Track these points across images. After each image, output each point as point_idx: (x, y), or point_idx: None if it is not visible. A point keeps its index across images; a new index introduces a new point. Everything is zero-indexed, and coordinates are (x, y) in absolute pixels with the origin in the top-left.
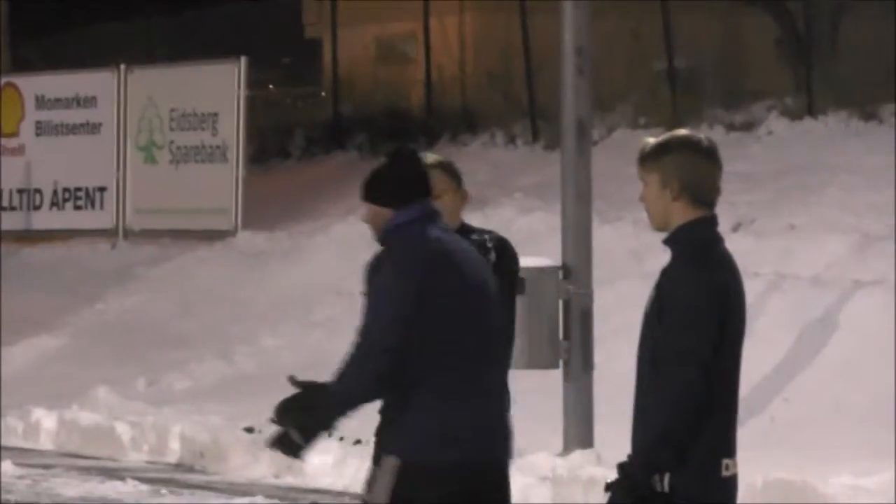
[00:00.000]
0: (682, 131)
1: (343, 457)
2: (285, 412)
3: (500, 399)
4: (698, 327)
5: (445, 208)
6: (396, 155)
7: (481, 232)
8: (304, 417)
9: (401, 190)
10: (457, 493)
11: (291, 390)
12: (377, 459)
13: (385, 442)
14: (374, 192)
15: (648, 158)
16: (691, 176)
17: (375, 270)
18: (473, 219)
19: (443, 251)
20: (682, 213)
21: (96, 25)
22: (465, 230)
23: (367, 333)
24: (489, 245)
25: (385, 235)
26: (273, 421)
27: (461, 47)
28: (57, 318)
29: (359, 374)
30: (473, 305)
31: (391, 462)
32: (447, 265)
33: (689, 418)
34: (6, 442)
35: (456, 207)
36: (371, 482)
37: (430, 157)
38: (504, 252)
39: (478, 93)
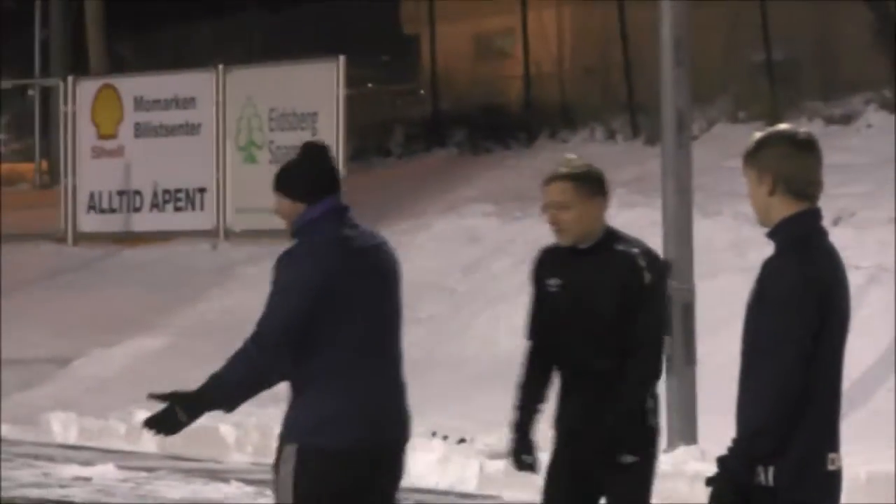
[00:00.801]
0: (782, 126)
1: (447, 455)
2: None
3: (394, 385)
4: (796, 319)
5: (571, 221)
6: (308, 151)
7: (629, 243)
8: (191, 396)
9: (313, 185)
10: (355, 476)
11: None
12: (280, 446)
13: (285, 429)
14: (288, 186)
15: (747, 155)
16: (785, 170)
17: (280, 263)
18: None
19: (344, 248)
20: (781, 207)
21: (192, 24)
22: (611, 238)
23: (261, 326)
24: (641, 263)
25: (297, 229)
26: (154, 397)
27: (559, 41)
28: (158, 318)
29: (245, 365)
30: (369, 300)
31: (289, 450)
32: (346, 263)
33: (787, 409)
34: (109, 445)
35: (588, 219)
36: (276, 470)
37: (561, 169)
38: (656, 268)
39: (576, 87)
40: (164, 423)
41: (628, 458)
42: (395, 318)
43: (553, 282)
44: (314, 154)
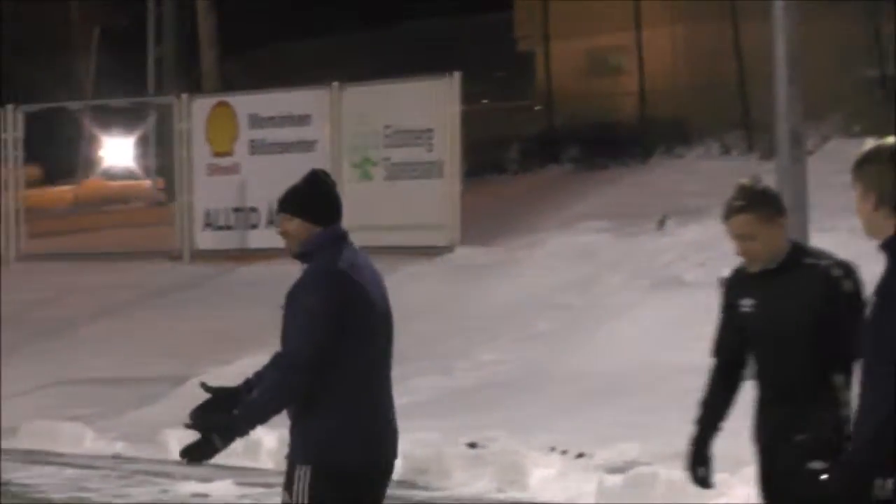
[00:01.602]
0: (889, 140)
1: (565, 470)
2: (206, 418)
3: (391, 406)
4: None
5: (759, 250)
6: (320, 176)
7: (817, 256)
8: (226, 423)
9: (328, 209)
10: (362, 493)
11: None
12: (288, 467)
13: (297, 450)
14: (305, 208)
15: (854, 170)
16: (889, 185)
17: (306, 288)
18: (687, 230)
19: (356, 274)
20: (885, 223)
21: (304, 42)
22: (798, 252)
23: (294, 351)
24: (836, 274)
25: (308, 250)
26: (190, 426)
27: (673, 58)
28: (273, 335)
29: (282, 388)
30: (377, 324)
31: (303, 470)
32: (359, 288)
33: None
34: (227, 461)
35: (774, 242)
36: (289, 487)
37: (737, 202)
38: (853, 276)
39: (691, 103)
40: (199, 451)
41: (817, 465)
42: (391, 343)
43: (746, 302)
44: (326, 180)
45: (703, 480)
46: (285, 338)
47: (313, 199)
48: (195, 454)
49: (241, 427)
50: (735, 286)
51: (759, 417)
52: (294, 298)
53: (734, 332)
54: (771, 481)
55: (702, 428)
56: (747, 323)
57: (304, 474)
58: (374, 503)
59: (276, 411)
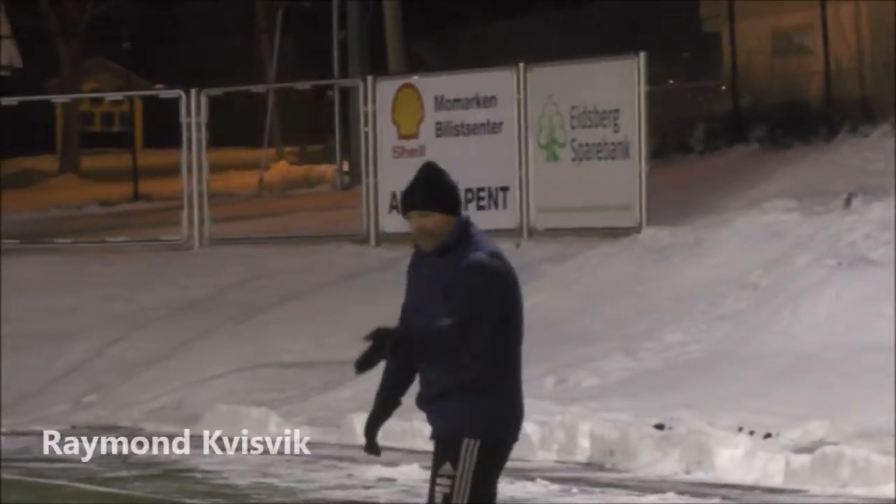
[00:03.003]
0: None
1: (752, 450)
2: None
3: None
4: None
5: None
6: (438, 168)
7: None
8: (399, 333)
9: (459, 199)
10: (505, 462)
11: None
12: (450, 440)
13: (466, 424)
14: (445, 201)
15: None
16: None
17: (486, 271)
18: (873, 209)
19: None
20: None
21: (487, 23)
22: None
23: (465, 320)
24: None
25: (451, 242)
26: (366, 337)
27: (858, 36)
28: None
29: (451, 342)
30: (522, 312)
31: (473, 443)
32: (514, 273)
33: None
34: (413, 445)
35: None
36: (451, 457)
37: None
38: None
39: (876, 82)
40: (367, 359)
41: None
42: None
43: None
44: (444, 170)
45: None
46: (452, 310)
47: (447, 191)
48: (363, 363)
49: (410, 349)
50: None
51: None
52: (481, 275)
53: None
54: None
55: None
56: None
57: (472, 446)
58: None
59: (434, 353)
